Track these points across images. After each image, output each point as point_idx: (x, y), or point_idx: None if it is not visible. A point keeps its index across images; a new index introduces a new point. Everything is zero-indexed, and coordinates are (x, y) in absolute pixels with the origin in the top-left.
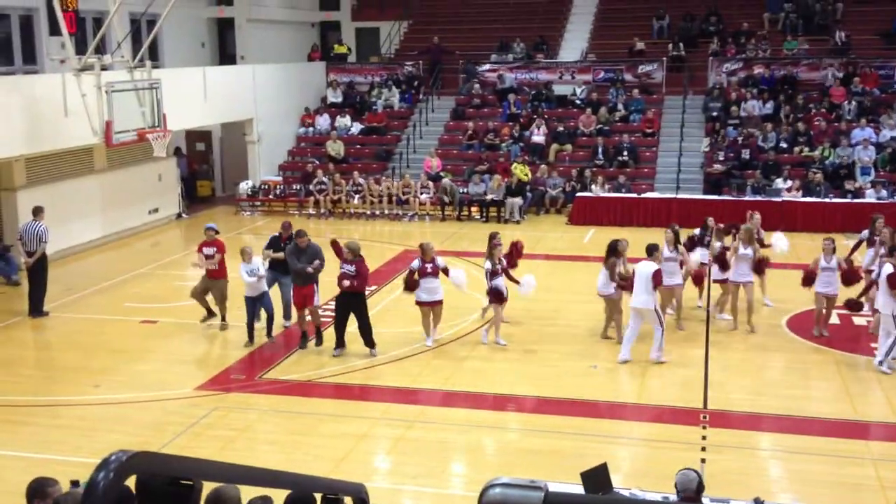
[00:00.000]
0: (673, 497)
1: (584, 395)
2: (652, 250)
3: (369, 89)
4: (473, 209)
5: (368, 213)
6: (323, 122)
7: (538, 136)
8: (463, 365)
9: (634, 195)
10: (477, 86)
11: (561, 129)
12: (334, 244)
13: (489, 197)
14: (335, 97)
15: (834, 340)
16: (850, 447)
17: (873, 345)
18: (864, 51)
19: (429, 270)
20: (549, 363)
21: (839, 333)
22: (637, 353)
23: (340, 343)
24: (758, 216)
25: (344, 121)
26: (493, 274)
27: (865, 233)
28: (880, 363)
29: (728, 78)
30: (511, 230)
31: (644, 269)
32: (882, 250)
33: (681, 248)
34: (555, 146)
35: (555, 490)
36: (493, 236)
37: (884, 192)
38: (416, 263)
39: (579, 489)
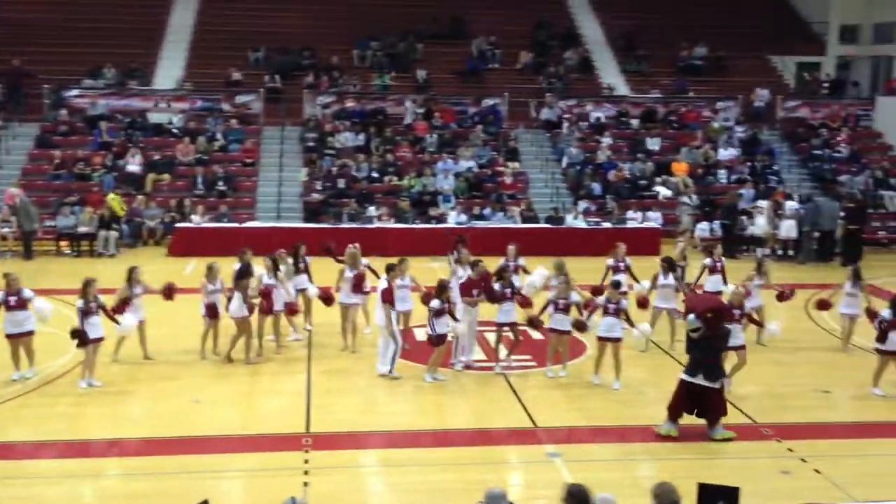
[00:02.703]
0: None
1: (188, 432)
2: (389, 269)
3: None
4: (63, 243)
5: None
6: None
7: (134, 166)
8: (53, 411)
9: (236, 224)
10: (64, 112)
11: (158, 158)
12: None
13: (81, 229)
14: None
15: (417, 355)
16: (439, 455)
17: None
18: (442, 88)
19: (12, 304)
20: (149, 401)
21: (421, 347)
22: (235, 381)
23: None
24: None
25: None
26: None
27: (709, 260)
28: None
29: (323, 110)
30: (105, 264)
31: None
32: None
33: (280, 274)
34: (152, 176)
35: None
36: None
37: (463, 217)
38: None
39: None
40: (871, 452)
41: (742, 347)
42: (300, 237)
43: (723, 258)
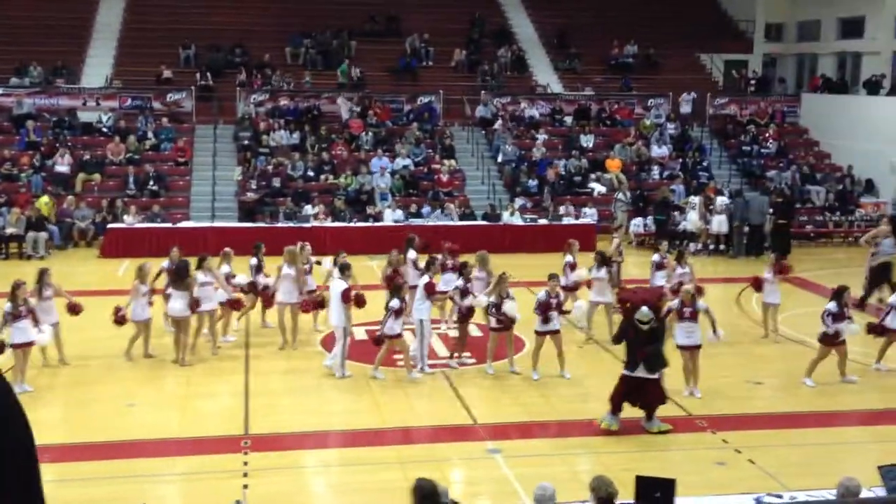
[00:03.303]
0: None
1: (121, 436)
2: (344, 269)
3: None
4: None
5: None
6: None
7: (63, 166)
8: None
9: (169, 225)
10: None
11: (88, 157)
12: None
13: (8, 231)
14: None
15: (360, 354)
16: (380, 454)
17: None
18: (376, 86)
19: None
20: (80, 405)
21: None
22: (170, 383)
23: None
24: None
25: None
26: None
27: (657, 256)
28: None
29: (256, 108)
30: (35, 266)
31: (335, 289)
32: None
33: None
34: (82, 176)
35: None
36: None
37: (399, 214)
38: None
39: None
40: (802, 442)
41: (697, 348)
42: (235, 237)
43: (668, 254)
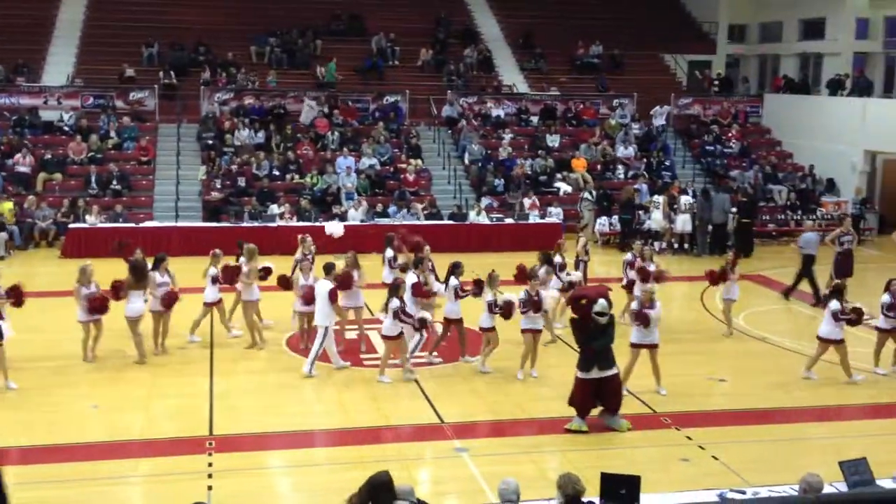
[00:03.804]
0: None
1: (84, 438)
2: (329, 269)
3: None
4: None
5: None
6: None
7: (23, 166)
8: None
9: (132, 224)
10: None
11: (49, 156)
12: None
13: None
14: None
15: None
16: (346, 454)
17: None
18: (343, 85)
19: None
20: (45, 407)
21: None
22: (133, 385)
23: None
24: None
25: None
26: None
27: (629, 255)
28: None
29: (220, 107)
30: None
31: (321, 288)
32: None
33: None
34: (43, 175)
35: None
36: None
37: (362, 213)
38: None
39: None
40: (765, 438)
41: (654, 346)
42: (200, 237)
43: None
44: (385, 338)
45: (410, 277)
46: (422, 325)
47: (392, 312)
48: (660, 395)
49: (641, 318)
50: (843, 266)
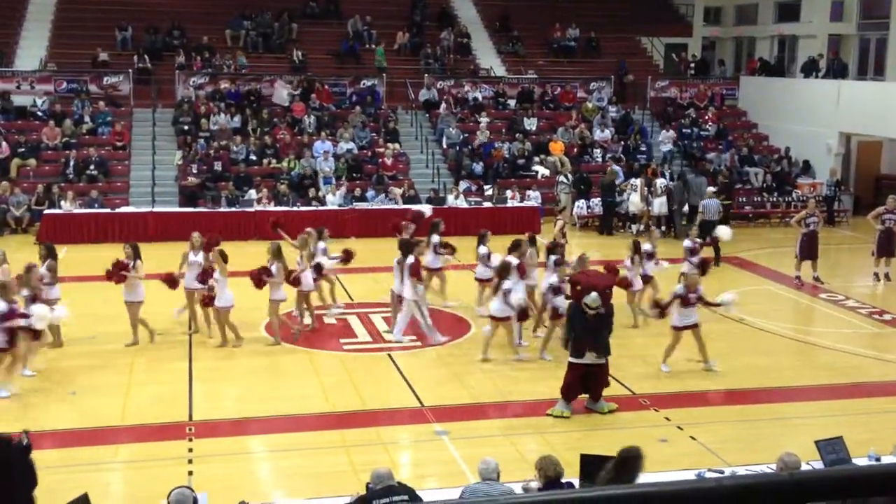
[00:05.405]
0: None
1: (63, 425)
2: (411, 247)
3: None
4: None
5: None
6: None
7: None
8: None
9: (108, 210)
10: None
11: (22, 142)
12: None
13: None
14: None
15: (303, 340)
16: (326, 438)
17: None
18: (319, 69)
19: None
20: (23, 394)
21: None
22: (113, 371)
23: None
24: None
25: None
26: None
27: None
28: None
29: (196, 91)
30: None
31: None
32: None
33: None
34: (17, 161)
35: None
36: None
37: (340, 197)
38: None
39: None
40: (742, 418)
41: (696, 326)
42: (177, 222)
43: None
44: (496, 319)
45: (512, 260)
46: (521, 312)
47: (503, 294)
48: (713, 371)
49: (687, 303)
50: (808, 247)
